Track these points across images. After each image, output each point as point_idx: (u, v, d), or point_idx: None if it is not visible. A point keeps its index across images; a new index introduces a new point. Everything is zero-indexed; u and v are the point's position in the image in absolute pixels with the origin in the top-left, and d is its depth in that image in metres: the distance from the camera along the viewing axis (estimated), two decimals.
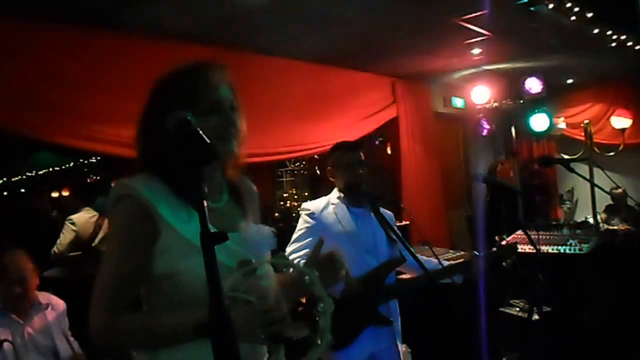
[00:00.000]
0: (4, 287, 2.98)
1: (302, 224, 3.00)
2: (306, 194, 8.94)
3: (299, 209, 3.03)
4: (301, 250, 2.90)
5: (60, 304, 3.22)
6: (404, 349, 3.60)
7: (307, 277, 1.44)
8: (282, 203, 8.98)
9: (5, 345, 2.81)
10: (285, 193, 9.23)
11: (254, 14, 4.06)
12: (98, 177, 10.96)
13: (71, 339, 3.12)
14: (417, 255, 2.65)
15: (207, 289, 1.29)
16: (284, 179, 9.35)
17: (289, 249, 2.94)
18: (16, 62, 3.59)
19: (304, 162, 8.99)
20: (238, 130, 1.50)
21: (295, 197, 9.09)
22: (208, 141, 1.15)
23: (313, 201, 3.09)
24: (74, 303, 3.19)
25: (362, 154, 2.99)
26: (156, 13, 3.87)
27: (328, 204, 3.01)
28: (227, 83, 1.52)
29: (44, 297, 3.15)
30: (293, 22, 4.34)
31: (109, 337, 1.37)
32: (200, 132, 1.17)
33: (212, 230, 1.07)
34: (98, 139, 3.96)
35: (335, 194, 3.05)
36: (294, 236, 2.99)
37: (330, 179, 3.07)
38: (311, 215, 2.98)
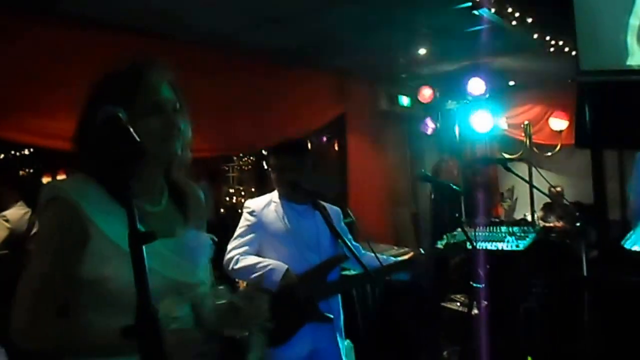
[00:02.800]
0: None
1: (244, 222, 3.01)
2: (252, 189, 8.90)
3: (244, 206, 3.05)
4: (241, 247, 2.91)
5: None
6: (347, 345, 3.66)
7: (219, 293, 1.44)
8: (227, 199, 8.92)
9: None
10: (232, 189, 9.16)
11: (196, 6, 4.03)
12: (31, 170, 10.59)
13: None
14: (358, 252, 2.71)
15: (132, 294, 1.29)
16: (230, 175, 9.28)
17: (230, 245, 2.95)
18: None
19: (251, 158, 8.94)
20: (181, 132, 1.45)
21: (242, 193, 9.03)
22: (137, 138, 1.12)
23: (256, 199, 3.10)
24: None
25: (299, 156, 3.00)
26: (93, 2, 3.79)
27: (270, 202, 3.02)
28: (169, 83, 1.47)
29: None
30: (238, 17, 4.32)
31: (31, 340, 1.34)
32: (130, 129, 1.13)
33: (140, 230, 1.04)
34: (30, 131, 3.85)
35: (278, 191, 3.06)
36: (236, 233, 3.00)
37: (278, 175, 3.05)
38: (252, 213, 2.99)
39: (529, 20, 4.86)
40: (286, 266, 2.78)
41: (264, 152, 7.86)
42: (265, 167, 8.61)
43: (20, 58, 3.72)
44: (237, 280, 3.36)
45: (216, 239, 1.58)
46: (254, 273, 2.80)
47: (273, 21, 4.51)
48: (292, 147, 3.06)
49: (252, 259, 2.85)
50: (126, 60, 1.47)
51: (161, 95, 1.43)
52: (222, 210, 8.06)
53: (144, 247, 1.02)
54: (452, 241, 3.58)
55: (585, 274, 4.85)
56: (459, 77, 6.62)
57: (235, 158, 8.87)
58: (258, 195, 3.17)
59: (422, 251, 3.20)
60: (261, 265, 2.81)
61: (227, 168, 9.24)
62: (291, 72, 5.65)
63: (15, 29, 3.73)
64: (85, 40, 3.98)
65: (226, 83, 4.89)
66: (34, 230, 4.86)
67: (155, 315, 0.98)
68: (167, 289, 1.34)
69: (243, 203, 8.97)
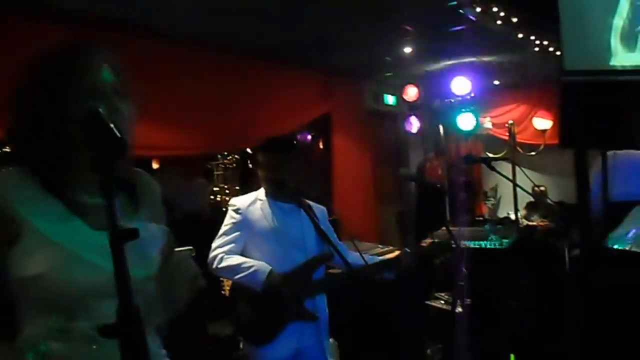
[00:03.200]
0: None
1: (228, 220, 2.98)
2: (237, 188, 8.87)
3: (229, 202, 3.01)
4: (226, 245, 2.89)
5: None
6: (331, 343, 3.65)
7: None
8: (212, 197, 8.87)
9: None
10: (216, 187, 9.12)
11: (183, 4, 3.98)
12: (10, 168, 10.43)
13: None
14: (342, 251, 2.70)
15: (75, 291, 1.26)
16: (215, 173, 9.23)
17: (214, 244, 2.93)
18: None
19: (236, 156, 8.90)
20: (123, 118, 1.33)
21: (227, 191, 9.00)
22: (118, 134, 1.07)
23: (241, 197, 3.08)
24: None
25: (285, 154, 2.98)
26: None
27: (256, 200, 3.00)
28: (110, 65, 1.36)
29: None
30: (223, 15, 4.30)
31: None
32: (112, 125, 1.09)
33: (122, 227, 1.01)
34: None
35: (264, 189, 3.03)
36: (220, 231, 2.97)
37: (263, 173, 3.04)
38: (237, 210, 2.96)
39: (514, 19, 4.89)
40: (270, 267, 2.76)
41: (248, 150, 7.85)
42: (250, 165, 8.62)
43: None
44: (221, 279, 3.35)
45: (169, 229, 1.52)
46: (237, 273, 2.78)
47: (259, 19, 4.49)
48: (278, 145, 3.04)
49: (236, 259, 2.82)
50: (57, 45, 1.37)
51: (101, 77, 1.33)
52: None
53: (120, 244, 0.99)
54: (436, 240, 3.58)
55: (568, 272, 4.90)
56: (444, 76, 6.64)
57: (219, 156, 8.83)
58: (243, 194, 3.15)
59: (407, 250, 3.20)
60: (245, 265, 2.78)
61: (210, 166, 9.20)
62: (277, 70, 5.64)
63: None
64: (63, 36, 3.90)
65: (212, 81, 4.87)
66: None
67: (136, 313, 0.95)
68: (109, 283, 1.29)
69: (227, 201, 8.95)
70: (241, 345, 3.13)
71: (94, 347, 1.26)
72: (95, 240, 1.29)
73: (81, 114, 1.23)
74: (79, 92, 1.29)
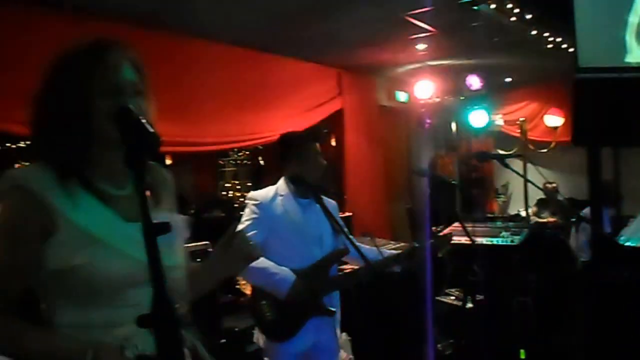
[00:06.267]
0: None
1: (249, 215, 2.90)
2: (249, 184, 8.90)
3: (241, 198, 3.01)
4: None
5: None
6: (344, 338, 3.68)
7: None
8: (224, 193, 8.91)
9: None
10: (228, 183, 9.16)
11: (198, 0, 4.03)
12: (27, 163, 10.51)
13: None
14: (358, 246, 2.70)
15: (110, 282, 1.28)
16: (226, 169, 9.27)
17: None
18: None
19: (247, 152, 8.93)
20: (144, 115, 1.32)
21: (238, 187, 9.04)
22: (150, 130, 1.11)
23: (260, 191, 2.99)
24: None
25: (302, 150, 2.95)
26: None
27: (276, 195, 2.94)
28: (131, 64, 1.39)
29: None
30: (237, 8, 4.30)
31: None
32: (143, 121, 1.12)
33: (155, 221, 1.03)
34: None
35: (283, 184, 2.99)
36: (240, 227, 2.73)
37: (282, 168, 3.02)
38: (258, 205, 2.90)
39: (528, 16, 4.88)
40: (294, 277, 2.72)
41: (259, 146, 7.89)
42: (262, 162, 8.65)
43: (25, 50, 3.69)
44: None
45: (187, 219, 1.56)
46: (261, 280, 2.74)
47: (274, 15, 4.51)
48: (295, 141, 3.02)
49: (260, 262, 2.66)
50: (82, 42, 1.39)
51: (122, 76, 1.36)
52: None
53: (156, 236, 1.01)
54: (442, 236, 3.57)
55: (578, 269, 4.91)
56: (456, 73, 6.64)
57: (231, 152, 8.86)
58: (254, 190, 3.11)
59: (416, 244, 3.19)
60: (269, 272, 2.73)
61: (222, 162, 9.23)
62: (290, 66, 5.65)
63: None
64: (82, 32, 3.94)
65: (227, 77, 4.89)
66: None
67: (171, 304, 0.98)
68: (143, 273, 1.25)
69: (239, 197, 8.95)
70: (254, 339, 3.15)
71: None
72: (127, 231, 1.33)
73: (105, 111, 1.28)
74: (102, 90, 1.32)
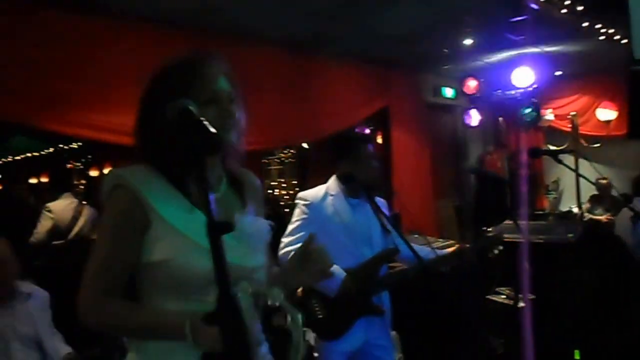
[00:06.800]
0: None
1: (299, 215, 2.93)
2: (294, 182, 8.97)
3: (286, 197, 3.03)
4: (296, 243, 2.79)
5: (43, 294, 3.10)
6: (394, 337, 3.67)
7: (273, 294, 1.45)
8: (270, 192, 9.00)
9: None
10: (274, 182, 9.25)
11: (243, 3, 4.09)
12: (78, 163, 10.85)
13: (54, 330, 3.03)
14: (411, 245, 2.68)
15: (197, 277, 1.36)
16: (272, 168, 9.36)
17: (285, 239, 2.89)
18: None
19: (292, 151, 8.99)
20: (236, 122, 1.49)
21: (284, 185, 9.11)
22: (213, 130, 1.16)
23: (310, 191, 3.00)
24: (58, 294, 3.06)
25: (353, 149, 2.95)
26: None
27: (326, 195, 2.94)
28: (226, 75, 1.51)
29: (26, 286, 3.02)
30: (281, 8, 4.34)
31: (94, 318, 1.40)
32: (204, 121, 1.17)
33: (218, 221, 1.07)
34: (86, 125, 3.96)
35: (334, 184, 2.99)
36: (290, 227, 2.92)
37: (334, 167, 3.02)
38: (308, 205, 2.92)
39: (580, 7, 4.76)
40: (344, 274, 2.73)
41: (305, 145, 7.94)
42: (306, 160, 8.67)
43: (75, 55, 3.83)
44: None
45: (274, 225, 1.62)
46: None
47: (319, 15, 4.53)
48: (349, 141, 3.02)
49: None
50: (181, 54, 1.51)
51: (218, 85, 1.47)
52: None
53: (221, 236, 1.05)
54: (493, 234, 3.52)
55: (636, 265, 4.77)
56: (505, 67, 6.52)
57: (276, 151, 8.94)
58: (300, 188, 3.12)
59: (466, 244, 3.16)
60: None
61: (268, 161, 9.32)
62: (336, 65, 5.66)
63: (67, 27, 3.86)
64: (137, 38, 4.07)
65: (274, 78, 4.94)
66: (83, 219, 5.08)
67: (235, 301, 1.03)
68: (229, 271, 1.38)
69: (284, 196, 9.02)
70: (305, 338, 3.17)
71: None
72: None
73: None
74: (200, 99, 1.40)
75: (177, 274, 1.38)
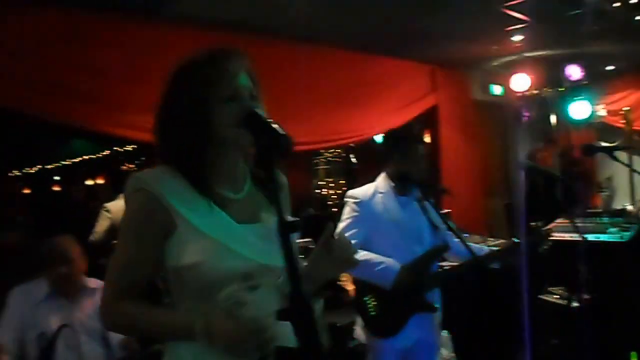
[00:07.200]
0: (51, 268, 2.99)
1: (350, 213, 2.94)
2: (342, 182, 9.00)
3: (334, 196, 3.07)
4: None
5: None
6: (445, 336, 3.66)
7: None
8: (317, 191, 9.05)
9: (64, 329, 2.85)
10: (321, 181, 9.29)
11: (294, 3, 4.12)
12: (132, 165, 11.14)
13: None
14: (465, 240, 2.68)
15: (226, 278, 1.37)
16: (320, 167, 9.40)
17: None
18: (59, 52, 3.73)
19: (339, 150, 9.02)
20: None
21: (331, 185, 9.15)
22: (282, 132, 1.17)
23: (359, 189, 3.03)
24: None
25: (408, 148, 2.97)
26: (194, 2, 3.97)
27: (376, 193, 2.96)
28: (247, 71, 1.49)
29: (93, 282, 3.14)
30: (330, 8, 4.38)
31: (109, 319, 1.43)
32: (273, 124, 1.19)
33: (288, 220, 1.10)
34: (146, 129, 4.08)
35: (383, 182, 3.00)
36: (341, 225, 2.93)
37: (383, 166, 3.04)
38: (358, 203, 2.93)
39: (633, 1, 4.64)
40: (399, 265, 2.76)
41: (351, 144, 7.95)
42: (354, 159, 8.69)
43: (136, 60, 3.95)
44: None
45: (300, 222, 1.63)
46: (365, 271, 2.76)
47: (366, 14, 4.54)
48: (401, 140, 3.04)
49: (363, 255, 2.74)
50: (199, 52, 1.50)
51: (239, 82, 1.45)
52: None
53: (290, 234, 1.08)
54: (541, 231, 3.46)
55: None
56: (555, 63, 6.40)
57: (324, 151, 8.98)
58: (348, 187, 3.15)
59: (515, 240, 3.13)
60: (374, 262, 2.77)
61: (315, 161, 9.37)
62: (384, 64, 5.66)
63: (121, 32, 4.00)
64: (186, 39, 4.17)
65: (324, 77, 4.98)
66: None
67: (307, 298, 1.03)
68: (254, 273, 1.38)
69: (331, 195, 9.06)
70: (356, 335, 3.19)
71: None
72: (239, 232, 1.42)
73: (224, 116, 1.37)
74: (222, 96, 1.41)
75: (207, 276, 1.37)
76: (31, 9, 3.66)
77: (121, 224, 1.47)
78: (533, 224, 3.25)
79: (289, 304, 1.04)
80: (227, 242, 1.39)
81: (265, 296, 1.40)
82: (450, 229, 2.76)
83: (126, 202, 1.45)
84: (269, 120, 1.22)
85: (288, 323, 1.03)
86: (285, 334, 1.09)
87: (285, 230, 1.08)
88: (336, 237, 1.53)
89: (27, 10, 3.65)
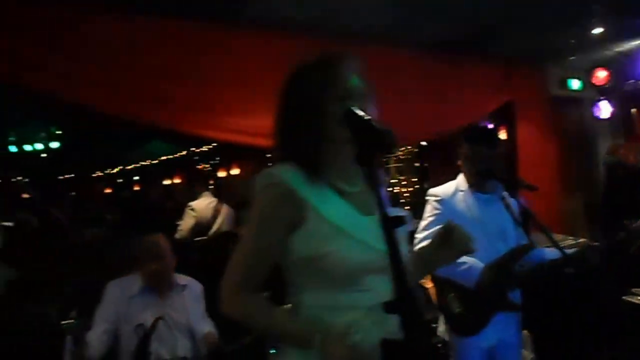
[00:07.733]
0: (144, 265, 3.16)
1: (432, 211, 2.97)
2: (413, 179, 8.96)
3: (406, 194, 3.07)
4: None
5: (197, 285, 3.36)
6: (525, 335, 3.62)
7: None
8: (389, 189, 9.03)
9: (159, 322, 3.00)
10: (393, 179, 9.27)
11: (366, 3, 4.15)
12: (207, 165, 11.45)
13: (208, 319, 3.27)
14: (554, 239, 2.64)
15: (353, 269, 1.44)
16: (391, 165, 9.37)
17: (419, 235, 2.92)
18: (147, 57, 3.90)
19: (408, 148, 8.97)
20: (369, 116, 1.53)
21: (404, 183, 9.12)
22: (382, 128, 1.23)
23: (440, 187, 3.06)
24: (209, 287, 3.30)
25: (492, 145, 2.96)
26: (276, 6, 4.08)
27: (456, 191, 2.98)
28: (358, 73, 1.58)
29: (182, 279, 3.30)
30: (404, 9, 4.39)
31: (228, 309, 1.49)
32: (372, 121, 1.25)
33: (391, 215, 1.15)
34: (226, 129, 4.23)
35: (463, 179, 3.02)
36: (423, 223, 2.96)
37: (460, 166, 3.05)
38: (440, 201, 2.96)
39: None
40: (482, 265, 2.74)
41: (423, 142, 7.91)
42: (424, 158, 8.60)
43: (216, 63, 4.10)
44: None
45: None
46: (448, 270, 2.75)
47: (437, 12, 4.53)
48: (486, 136, 3.03)
49: None
50: (312, 56, 1.60)
51: (352, 83, 1.54)
52: None
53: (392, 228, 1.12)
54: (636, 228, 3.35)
55: None
56: (636, 55, 6.16)
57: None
58: (419, 185, 3.16)
59: (597, 243, 3.06)
60: (457, 262, 2.78)
61: (387, 159, 9.35)
62: (458, 61, 5.61)
63: (211, 38, 4.15)
64: (269, 44, 4.29)
65: (397, 77, 4.99)
66: (221, 217, 5.40)
67: (411, 290, 1.08)
68: (379, 261, 1.41)
69: (403, 193, 8.98)
70: (438, 332, 3.20)
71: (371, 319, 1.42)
72: (365, 223, 1.50)
73: (337, 115, 1.45)
74: (336, 96, 1.50)
75: (335, 267, 1.44)
76: (119, 16, 3.84)
77: (250, 216, 1.55)
78: (626, 222, 3.16)
79: (395, 297, 1.07)
80: (355, 232, 1.47)
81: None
82: (540, 228, 2.72)
83: (257, 195, 1.53)
84: (368, 117, 1.28)
85: (395, 316, 1.08)
86: (393, 326, 1.12)
87: (389, 225, 1.13)
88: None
89: (116, 18, 3.84)
